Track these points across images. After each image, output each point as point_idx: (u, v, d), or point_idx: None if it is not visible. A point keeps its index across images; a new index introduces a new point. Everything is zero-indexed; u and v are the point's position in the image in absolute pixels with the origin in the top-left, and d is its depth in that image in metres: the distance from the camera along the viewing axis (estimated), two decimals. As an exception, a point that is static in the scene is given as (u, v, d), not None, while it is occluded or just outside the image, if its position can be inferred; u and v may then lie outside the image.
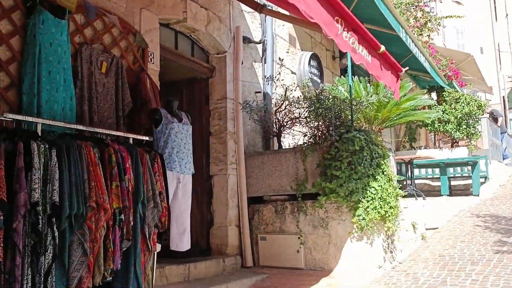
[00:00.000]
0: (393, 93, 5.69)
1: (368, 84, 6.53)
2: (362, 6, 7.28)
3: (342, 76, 7.75)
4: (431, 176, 11.32)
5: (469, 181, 10.45)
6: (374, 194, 4.88)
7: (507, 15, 26.73)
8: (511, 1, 26.59)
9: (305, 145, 5.47)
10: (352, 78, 5.95)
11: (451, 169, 10.81)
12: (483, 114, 11.77)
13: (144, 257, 3.36)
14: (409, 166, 8.48)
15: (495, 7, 25.57)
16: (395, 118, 6.59)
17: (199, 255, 5.27)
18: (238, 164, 5.63)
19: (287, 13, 4.87)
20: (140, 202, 3.30)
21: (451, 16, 13.63)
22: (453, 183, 11.36)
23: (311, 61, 7.53)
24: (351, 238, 5.00)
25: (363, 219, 4.83)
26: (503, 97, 25.46)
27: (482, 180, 10.70)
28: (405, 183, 9.20)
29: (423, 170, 11.32)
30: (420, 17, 12.85)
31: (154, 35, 4.61)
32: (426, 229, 6.26)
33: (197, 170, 5.05)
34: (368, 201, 4.86)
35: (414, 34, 11.68)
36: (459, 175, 10.99)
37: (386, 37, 9.39)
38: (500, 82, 24.15)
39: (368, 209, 4.84)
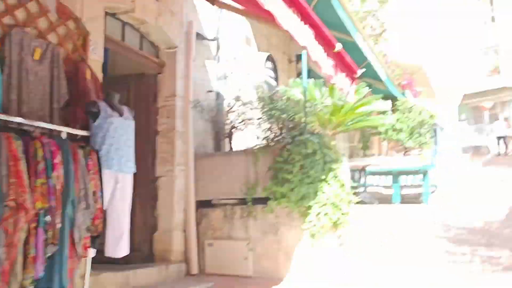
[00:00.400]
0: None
1: (324, 87, 6.40)
2: (320, 8, 7.21)
3: (297, 79, 7.60)
4: (383, 184, 11.40)
5: (419, 190, 10.58)
6: (326, 200, 4.71)
7: (457, 30, 27.70)
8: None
9: (257, 147, 5.26)
10: (307, 80, 5.80)
11: (403, 177, 10.91)
12: (434, 124, 11.99)
13: (72, 264, 3.03)
14: (362, 173, 8.43)
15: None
16: (349, 123, 6.48)
17: (141, 262, 4.93)
18: (186, 166, 5.34)
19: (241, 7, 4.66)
20: (69, 202, 2.97)
21: (403, 29, 13.89)
22: (404, 191, 11.47)
23: (267, 63, 7.36)
24: (302, 244, 4.81)
25: (314, 225, 4.65)
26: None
27: (432, 188, 10.87)
28: (358, 190, 9.17)
29: (375, 178, 11.38)
30: (377, 27, 13.03)
31: (98, 23, 4.27)
32: (378, 236, 6.17)
33: (142, 171, 4.73)
34: (320, 207, 4.69)
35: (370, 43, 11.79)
36: (411, 183, 11.12)
37: (343, 43, 9.40)
38: (450, 95, 24.92)
39: (319, 215, 4.67)
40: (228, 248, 5.17)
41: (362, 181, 10.74)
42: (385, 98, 12.71)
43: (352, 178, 9.60)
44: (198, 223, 5.38)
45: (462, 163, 15.75)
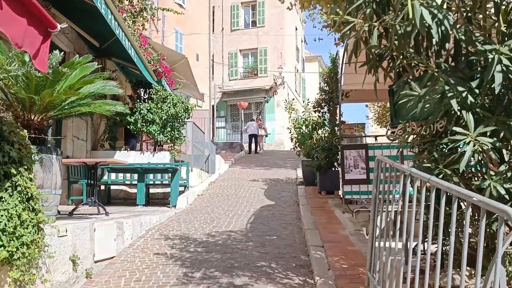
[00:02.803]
0: (58, 67, 3.91)
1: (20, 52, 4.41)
2: None
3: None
4: (129, 182, 9.97)
5: (168, 189, 9.51)
6: (-8, 224, 2.95)
7: (223, 29, 28.38)
8: (227, 17, 28.36)
9: None
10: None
11: (150, 175, 9.69)
12: (189, 118, 11.11)
13: None
14: (94, 170, 6.78)
15: (213, 19, 26.70)
16: (66, 107, 4.74)
17: None
18: None
19: None
20: None
21: (169, 10, 12.76)
22: (152, 190, 10.29)
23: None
24: None
25: (-35, 266, 2.84)
26: (213, 105, 26.79)
27: (182, 188, 9.93)
28: (95, 189, 7.48)
29: (120, 175, 9.87)
30: (136, 4, 11.51)
31: None
32: (96, 261, 4.63)
33: None
34: (-21, 236, 2.90)
35: (126, 19, 10.21)
36: (159, 182, 9.98)
37: (80, 5, 7.63)
38: (211, 91, 25.20)
39: (-24, 249, 2.88)
40: None
41: (103, 179, 9.13)
42: (139, 84, 11.36)
43: (87, 175, 7.88)
44: None
45: (216, 160, 15.50)
